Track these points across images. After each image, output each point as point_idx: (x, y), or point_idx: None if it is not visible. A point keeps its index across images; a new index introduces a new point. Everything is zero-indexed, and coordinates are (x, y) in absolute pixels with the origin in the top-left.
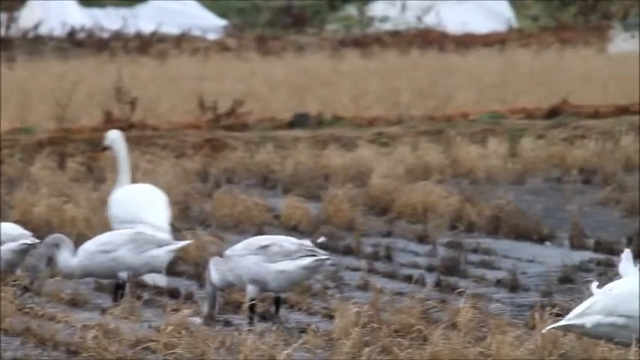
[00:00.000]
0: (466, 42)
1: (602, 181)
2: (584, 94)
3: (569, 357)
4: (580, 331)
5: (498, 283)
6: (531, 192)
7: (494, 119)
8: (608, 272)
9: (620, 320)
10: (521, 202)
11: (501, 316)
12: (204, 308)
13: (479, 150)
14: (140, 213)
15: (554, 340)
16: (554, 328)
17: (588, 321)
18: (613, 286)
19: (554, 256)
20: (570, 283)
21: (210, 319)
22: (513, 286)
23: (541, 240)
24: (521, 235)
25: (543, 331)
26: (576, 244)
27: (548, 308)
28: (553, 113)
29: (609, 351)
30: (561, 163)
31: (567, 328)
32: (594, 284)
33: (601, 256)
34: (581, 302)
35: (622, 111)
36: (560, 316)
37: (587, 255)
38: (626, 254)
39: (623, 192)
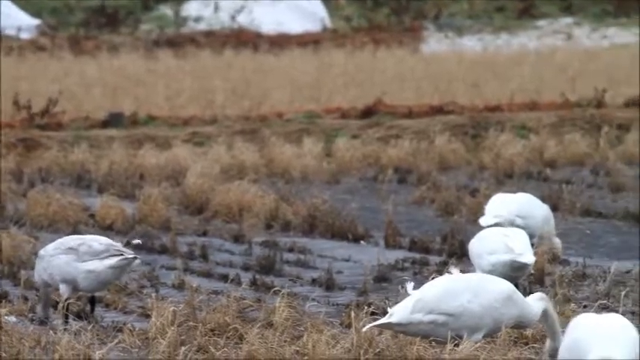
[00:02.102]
0: (280, 42)
1: (417, 181)
2: (399, 94)
3: (385, 355)
4: (400, 329)
5: (314, 282)
6: (346, 191)
7: (309, 119)
8: (423, 271)
9: (440, 318)
10: (336, 202)
11: (317, 315)
12: (39, 308)
13: (294, 149)
14: None
15: (370, 338)
16: (374, 326)
17: (408, 319)
18: (432, 285)
19: (369, 255)
20: (385, 282)
21: (45, 319)
22: (329, 285)
23: (356, 239)
24: (337, 234)
25: (364, 329)
26: (391, 243)
27: (363, 307)
28: (368, 113)
29: (424, 349)
30: (376, 162)
31: (388, 327)
32: (410, 284)
33: (416, 255)
34: (397, 301)
35: (436, 111)
36: (375, 314)
37: (401, 254)
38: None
39: (437, 191)
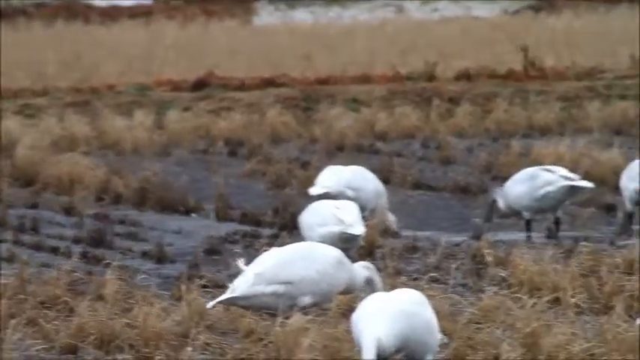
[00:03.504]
0: (112, 14)
1: (248, 153)
2: (230, 66)
3: (216, 328)
4: (244, 303)
5: (145, 254)
6: (177, 164)
7: (140, 91)
8: (254, 244)
9: (281, 288)
10: (167, 174)
11: (148, 288)
12: None
13: (125, 122)
14: None
15: (201, 311)
16: (218, 302)
17: (250, 292)
18: (268, 257)
19: (200, 228)
20: (216, 255)
21: None
22: (160, 258)
23: (187, 212)
24: (168, 207)
25: (208, 306)
26: (222, 216)
27: (194, 279)
28: (199, 85)
29: (255, 322)
30: (207, 134)
31: (231, 302)
32: (241, 260)
33: (247, 228)
34: (229, 274)
35: (267, 83)
36: (206, 287)
37: (232, 226)
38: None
39: (268, 164)
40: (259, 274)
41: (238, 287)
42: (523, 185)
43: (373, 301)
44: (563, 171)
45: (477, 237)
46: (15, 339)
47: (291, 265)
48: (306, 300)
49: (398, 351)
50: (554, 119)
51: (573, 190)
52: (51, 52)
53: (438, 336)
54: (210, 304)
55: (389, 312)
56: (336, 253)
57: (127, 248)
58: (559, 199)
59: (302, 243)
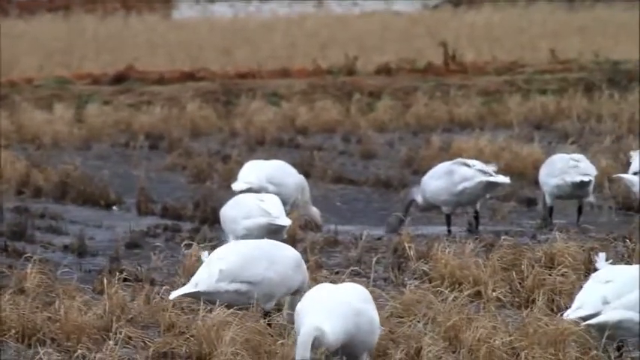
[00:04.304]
0: (30, 7)
1: (169, 147)
2: (150, 60)
3: (138, 321)
4: (206, 297)
5: (66, 248)
6: (98, 157)
7: (59, 85)
8: (175, 237)
9: (243, 287)
10: (87, 168)
11: (69, 282)
12: None
13: (45, 115)
14: None
15: (123, 304)
16: (180, 296)
17: (214, 288)
18: (232, 252)
19: (121, 222)
20: (137, 248)
21: None
22: (81, 252)
23: (108, 205)
24: (89, 200)
25: (171, 297)
26: (143, 210)
27: (116, 273)
28: (119, 79)
29: (177, 315)
30: (128, 128)
31: (194, 296)
32: (205, 253)
33: (168, 222)
34: (149, 267)
35: (187, 77)
36: (128, 280)
37: (153, 220)
38: None
39: (189, 158)
40: (224, 270)
41: (201, 282)
42: (440, 181)
43: (320, 293)
44: (480, 165)
45: (393, 232)
46: None
47: (255, 264)
48: (272, 305)
49: (341, 347)
50: (475, 113)
51: (490, 185)
52: None
53: (378, 333)
54: (173, 295)
55: (337, 308)
56: (294, 254)
57: (47, 242)
58: (477, 194)
59: (264, 241)
